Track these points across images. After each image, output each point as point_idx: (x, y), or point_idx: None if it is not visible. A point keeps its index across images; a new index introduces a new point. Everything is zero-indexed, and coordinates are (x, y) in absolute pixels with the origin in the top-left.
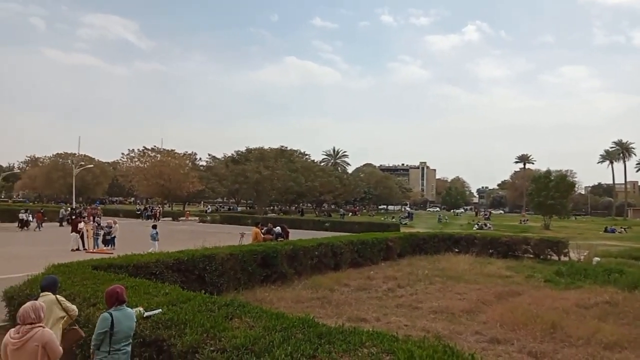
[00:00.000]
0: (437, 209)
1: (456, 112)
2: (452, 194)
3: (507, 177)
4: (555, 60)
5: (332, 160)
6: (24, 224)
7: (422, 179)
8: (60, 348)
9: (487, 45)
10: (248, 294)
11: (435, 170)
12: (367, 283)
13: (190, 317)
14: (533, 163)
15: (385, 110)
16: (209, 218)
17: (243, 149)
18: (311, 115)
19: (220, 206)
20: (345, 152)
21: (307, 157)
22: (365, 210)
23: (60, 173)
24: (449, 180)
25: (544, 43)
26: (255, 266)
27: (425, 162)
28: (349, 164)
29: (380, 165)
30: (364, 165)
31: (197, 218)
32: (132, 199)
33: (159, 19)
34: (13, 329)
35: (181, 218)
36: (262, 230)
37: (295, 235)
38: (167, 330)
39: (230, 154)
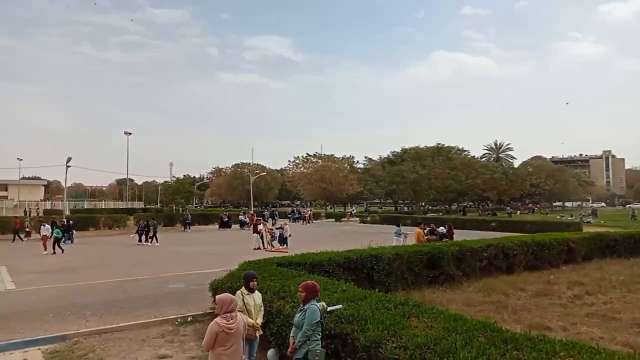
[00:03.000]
0: (630, 205)
1: None
2: None
3: None
4: None
5: (494, 155)
6: (224, 225)
7: (607, 170)
8: None
9: None
10: (416, 294)
11: (623, 159)
12: (547, 288)
13: (369, 313)
14: None
15: (552, 96)
16: (368, 218)
17: (398, 149)
18: (465, 108)
19: (378, 207)
20: (509, 144)
21: (465, 153)
22: (537, 208)
23: (239, 181)
24: None
25: None
26: (422, 267)
27: (609, 151)
28: (514, 157)
29: (552, 157)
30: (532, 158)
31: (357, 219)
32: (298, 202)
33: (311, 33)
34: (219, 318)
35: (343, 219)
36: (425, 231)
37: (458, 235)
38: (350, 325)
39: (386, 155)
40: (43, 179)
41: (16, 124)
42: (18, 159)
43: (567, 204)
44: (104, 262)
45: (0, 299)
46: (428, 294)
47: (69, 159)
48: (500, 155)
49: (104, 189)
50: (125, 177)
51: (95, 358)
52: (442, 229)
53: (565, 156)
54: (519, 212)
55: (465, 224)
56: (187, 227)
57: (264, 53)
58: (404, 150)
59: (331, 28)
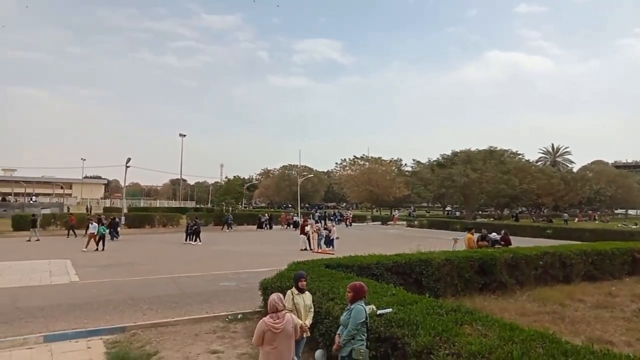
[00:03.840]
0: None
1: None
2: None
3: None
4: None
5: (550, 159)
6: (261, 225)
7: None
8: None
9: None
10: (466, 301)
11: None
12: (608, 300)
13: (420, 318)
14: None
15: (614, 96)
16: (416, 222)
17: (448, 152)
18: (520, 111)
19: (426, 211)
20: (567, 148)
21: (519, 156)
22: (598, 215)
23: (286, 182)
24: None
25: None
26: (472, 273)
27: None
28: (572, 162)
29: (615, 162)
30: (592, 162)
31: (404, 222)
32: (344, 204)
33: (359, 36)
34: (268, 316)
35: (389, 222)
36: (475, 237)
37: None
38: (400, 329)
39: (435, 158)
40: (103, 178)
41: (81, 125)
42: (81, 159)
43: (631, 211)
44: (157, 259)
45: (67, 290)
46: (479, 302)
47: (129, 160)
48: (557, 159)
49: (158, 188)
50: (178, 177)
51: (152, 350)
52: (494, 235)
53: (630, 161)
54: (576, 219)
55: (518, 231)
56: (229, 227)
57: (313, 56)
58: (454, 153)
59: (380, 30)
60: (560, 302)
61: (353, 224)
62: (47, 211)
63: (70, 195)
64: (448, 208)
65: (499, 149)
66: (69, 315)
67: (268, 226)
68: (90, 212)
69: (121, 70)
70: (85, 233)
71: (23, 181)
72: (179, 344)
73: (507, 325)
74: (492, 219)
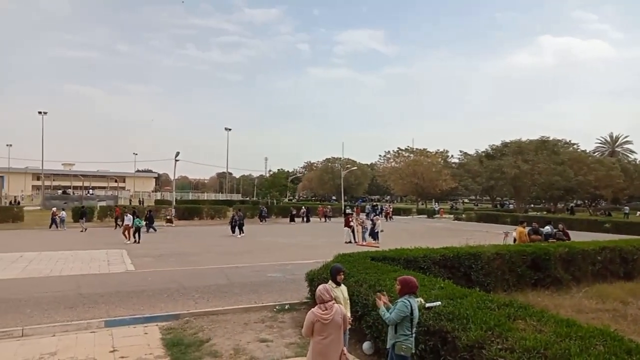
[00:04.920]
0: None
1: None
2: None
3: None
4: None
5: (608, 149)
6: (293, 218)
7: None
8: None
9: None
10: (519, 296)
11: None
12: None
13: (471, 312)
14: None
15: None
16: (463, 216)
17: (497, 142)
18: (574, 98)
19: (474, 204)
20: (626, 137)
21: (574, 146)
22: None
23: (329, 175)
24: None
25: None
26: (525, 268)
27: None
28: (633, 151)
29: None
30: None
31: (451, 215)
32: (388, 197)
33: (402, 24)
34: (316, 308)
35: (435, 215)
36: (527, 230)
37: None
38: (450, 322)
39: (483, 150)
40: (154, 172)
41: (131, 120)
42: (133, 153)
43: None
44: (206, 250)
45: (124, 278)
46: (532, 297)
47: (177, 154)
48: (616, 149)
49: (205, 181)
50: (224, 170)
51: (204, 337)
52: (547, 229)
53: None
54: (638, 212)
55: (574, 224)
56: (263, 219)
57: (354, 47)
58: (504, 144)
59: (423, 17)
60: (622, 300)
61: (398, 217)
62: (102, 203)
63: (123, 188)
64: (499, 200)
65: (551, 138)
66: (127, 302)
67: (305, 219)
68: (143, 204)
69: (168, 66)
70: (120, 225)
71: (81, 175)
72: (230, 332)
73: (564, 322)
74: (545, 212)
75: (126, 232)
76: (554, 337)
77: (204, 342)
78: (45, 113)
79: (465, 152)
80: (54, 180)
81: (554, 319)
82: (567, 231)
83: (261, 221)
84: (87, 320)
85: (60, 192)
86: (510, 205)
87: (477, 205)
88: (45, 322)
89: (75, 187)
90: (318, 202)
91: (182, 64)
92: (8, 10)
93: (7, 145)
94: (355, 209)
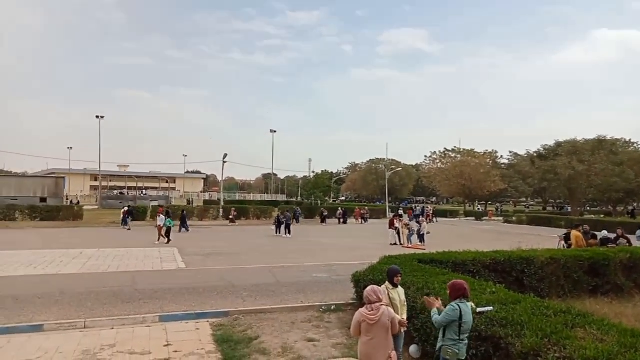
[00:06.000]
0: None
1: None
2: None
3: None
4: None
5: None
6: (324, 219)
7: None
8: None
9: None
10: (575, 303)
11: None
12: None
13: (525, 318)
14: None
15: None
16: (514, 218)
17: (551, 142)
18: (635, 94)
19: (525, 206)
20: None
21: (635, 146)
22: None
23: (373, 176)
24: None
25: None
26: (582, 274)
27: None
28: None
29: None
30: None
31: (501, 218)
32: (434, 198)
33: (446, 22)
34: (363, 308)
35: (484, 218)
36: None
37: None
38: (504, 328)
39: (535, 150)
40: (202, 173)
41: (181, 123)
42: (183, 155)
43: None
44: (253, 249)
45: (176, 275)
46: (590, 305)
47: (225, 155)
48: None
49: (251, 182)
50: (270, 171)
51: (253, 335)
52: (604, 233)
53: None
54: None
55: (635, 228)
56: (296, 220)
57: (397, 47)
58: (558, 144)
59: (468, 14)
60: None
61: (443, 219)
62: (155, 203)
63: (174, 188)
64: (554, 202)
65: (609, 138)
66: (179, 299)
67: (342, 220)
68: (192, 204)
69: (215, 70)
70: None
71: (135, 176)
72: (277, 330)
73: (629, 331)
74: (602, 216)
75: (160, 233)
76: (617, 348)
77: (253, 340)
78: (102, 117)
79: (516, 153)
80: (110, 181)
81: (616, 328)
82: (627, 236)
83: (296, 222)
84: (143, 315)
85: (117, 192)
86: (568, 208)
87: (528, 207)
88: (105, 315)
89: (129, 188)
90: (364, 204)
91: (228, 68)
92: (70, 23)
93: (68, 148)
94: (407, 211)
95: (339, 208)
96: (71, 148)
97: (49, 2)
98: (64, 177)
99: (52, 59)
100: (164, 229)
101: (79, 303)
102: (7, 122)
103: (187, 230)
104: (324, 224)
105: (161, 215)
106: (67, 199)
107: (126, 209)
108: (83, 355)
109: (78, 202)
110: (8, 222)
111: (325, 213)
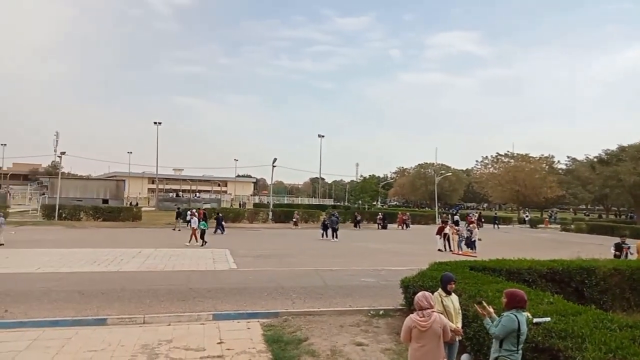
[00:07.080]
0: None
1: None
2: None
3: None
4: None
5: None
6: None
7: None
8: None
9: None
10: None
11: None
12: None
13: (587, 331)
14: None
15: None
16: (572, 226)
17: (613, 147)
18: None
19: (584, 214)
20: None
21: None
22: None
23: (422, 181)
24: None
25: None
26: None
27: None
28: None
29: None
30: None
31: (558, 226)
32: (485, 204)
33: (498, 24)
34: (414, 314)
35: (540, 225)
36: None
37: None
38: (562, 341)
39: (595, 155)
40: (253, 177)
41: (233, 129)
42: (234, 159)
43: None
44: (302, 252)
45: (228, 275)
46: None
47: (275, 160)
48: None
49: (299, 186)
50: (317, 175)
51: (302, 336)
52: None
53: None
54: None
55: None
56: (357, 225)
57: (447, 50)
58: (621, 148)
59: (520, 15)
60: None
61: (489, 225)
62: (207, 206)
63: (225, 192)
64: (618, 210)
65: None
66: (231, 298)
67: (382, 226)
68: (244, 207)
69: (265, 77)
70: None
71: (189, 179)
72: (326, 333)
73: None
74: None
75: (194, 235)
76: None
77: (302, 341)
78: (159, 123)
79: (574, 158)
80: (166, 183)
81: None
82: None
83: (355, 227)
84: (198, 313)
85: (172, 194)
86: (634, 216)
87: (588, 215)
88: (162, 312)
89: (184, 190)
90: (410, 209)
91: (277, 74)
92: (127, 33)
93: (128, 152)
94: (466, 218)
95: (379, 213)
96: (131, 152)
97: (113, 15)
98: (124, 180)
99: (114, 68)
100: (198, 231)
101: (138, 299)
102: (74, 128)
103: (222, 233)
104: (357, 229)
105: (194, 218)
106: (127, 201)
107: (180, 210)
108: (142, 349)
109: (137, 204)
110: (74, 222)
111: (359, 218)
